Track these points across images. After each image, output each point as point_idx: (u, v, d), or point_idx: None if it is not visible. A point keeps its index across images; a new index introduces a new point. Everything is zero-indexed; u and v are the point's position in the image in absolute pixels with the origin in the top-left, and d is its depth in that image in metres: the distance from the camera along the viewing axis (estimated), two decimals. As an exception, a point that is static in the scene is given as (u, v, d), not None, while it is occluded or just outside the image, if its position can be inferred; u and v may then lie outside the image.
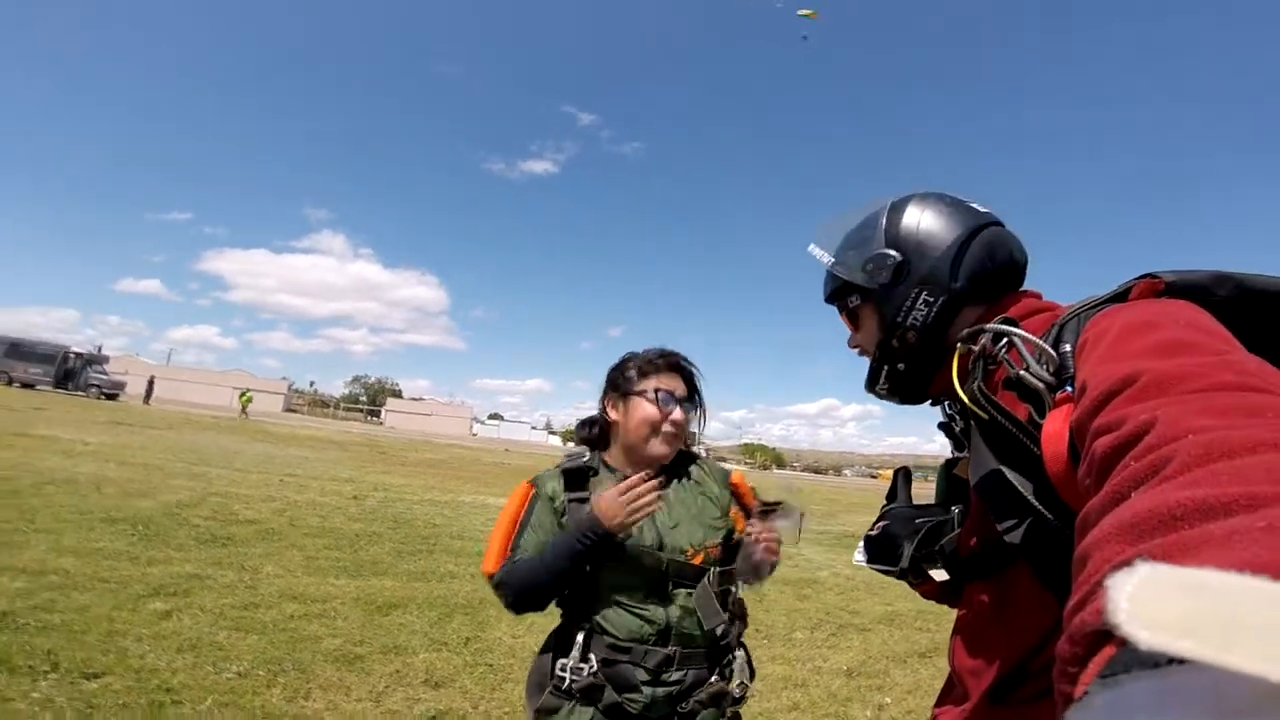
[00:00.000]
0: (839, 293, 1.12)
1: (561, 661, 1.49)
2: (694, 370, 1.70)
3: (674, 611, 1.50)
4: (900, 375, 1.05)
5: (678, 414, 1.60)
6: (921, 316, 1.00)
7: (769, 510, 1.58)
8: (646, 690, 1.45)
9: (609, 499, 1.44)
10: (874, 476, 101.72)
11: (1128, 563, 0.31)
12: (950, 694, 0.97)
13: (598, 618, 1.50)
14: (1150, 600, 0.25)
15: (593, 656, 1.47)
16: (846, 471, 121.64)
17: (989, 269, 1.00)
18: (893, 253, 1.02)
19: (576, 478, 1.60)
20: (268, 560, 5.44)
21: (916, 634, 5.74)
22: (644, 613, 1.49)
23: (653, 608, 1.50)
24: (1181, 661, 0.22)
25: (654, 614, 1.49)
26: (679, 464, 1.68)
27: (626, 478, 1.50)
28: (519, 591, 1.48)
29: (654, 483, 1.46)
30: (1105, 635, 0.29)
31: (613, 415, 1.65)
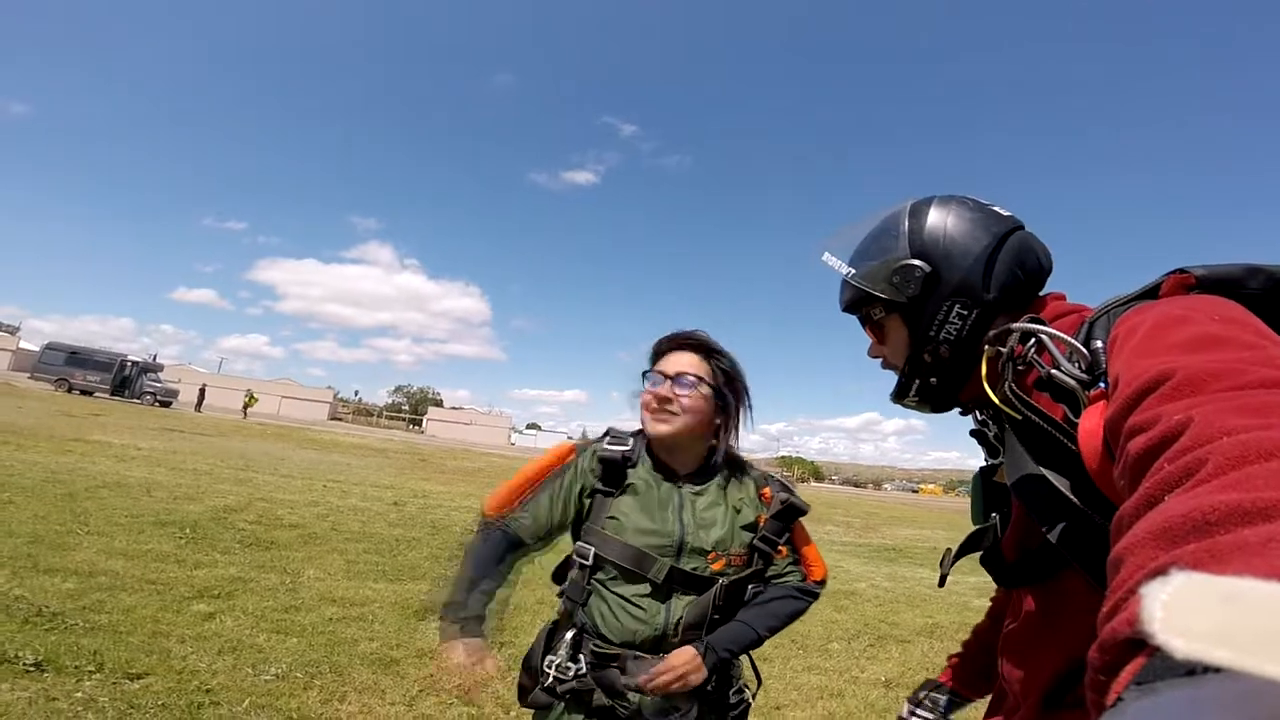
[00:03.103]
0: (859, 303, 1.08)
1: (550, 659, 1.47)
2: (705, 343, 1.58)
3: (674, 614, 1.44)
4: (931, 388, 1.02)
5: (661, 389, 1.51)
6: (955, 330, 0.96)
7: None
8: (634, 697, 1.41)
9: (457, 659, 1.40)
10: (915, 491, 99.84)
11: (1161, 569, 0.31)
12: (1001, 704, 0.95)
13: (593, 614, 1.46)
14: (1185, 609, 0.25)
15: (582, 657, 1.44)
16: (887, 486, 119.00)
17: (1020, 278, 0.96)
18: (920, 263, 0.97)
19: (612, 470, 1.53)
20: (309, 564, 5.54)
21: (959, 646, 5.55)
22: (641, 614, 1.43)
23: (653, 607, 1.44)
24: (1216, 670, 0.22)
25: (653, 616, 1.43)
26: (727, 464, 1.60)
27: (660, 465, 1.55)
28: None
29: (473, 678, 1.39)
30: (1137, 644, 0.28)
31: None
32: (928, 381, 1.01)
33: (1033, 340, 0.82)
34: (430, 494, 11.80)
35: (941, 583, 1.16)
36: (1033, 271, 0.98)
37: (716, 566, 1.48)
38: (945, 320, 0.96)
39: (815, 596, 1.59)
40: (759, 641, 1.49)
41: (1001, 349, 0.87)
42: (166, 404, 33.70)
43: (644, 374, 1.57)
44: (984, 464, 1.07)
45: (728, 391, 1.57)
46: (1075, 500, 0.71)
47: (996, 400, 0.84)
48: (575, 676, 1.43)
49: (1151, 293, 0.76)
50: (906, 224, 1.01)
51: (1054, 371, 0.76)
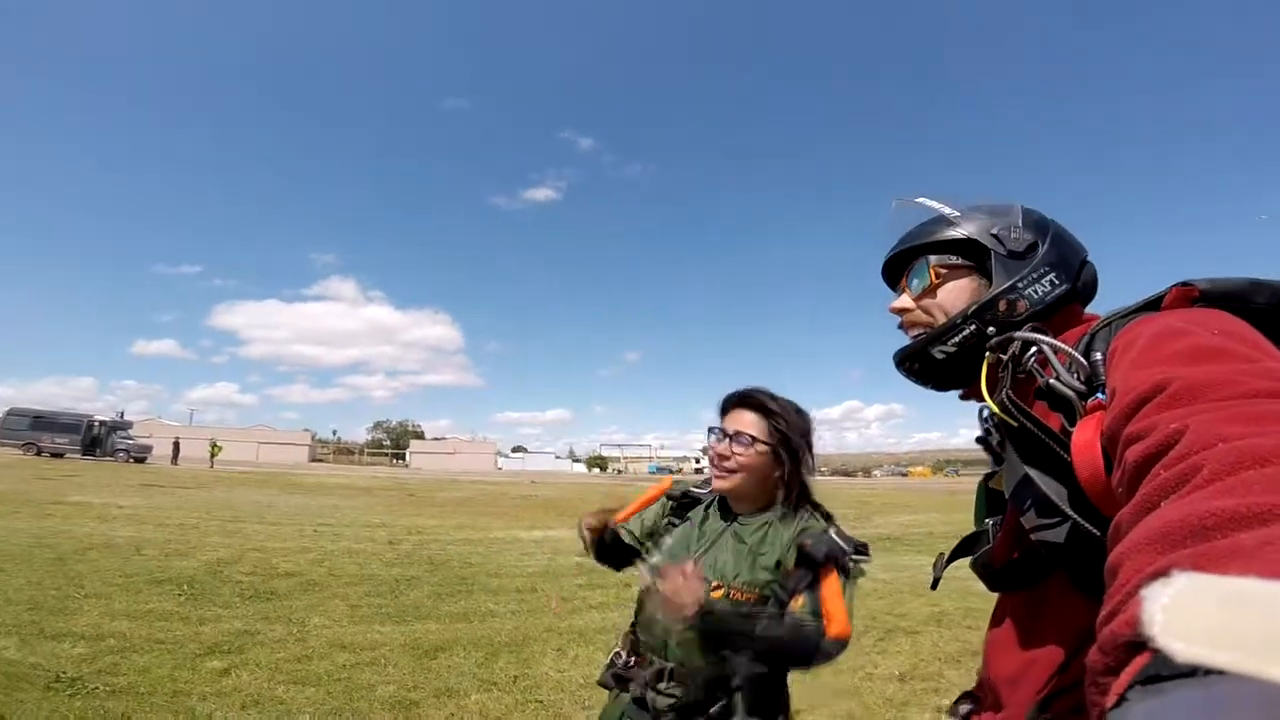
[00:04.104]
0: (935, 247, 1.04)
1: (616, 647, 1.69)
2: (763, 404, 1.65)
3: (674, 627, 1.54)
4: (970, 346, 0.96)
5: (720, 446, 1.64)
6: (1041, 292, 0.94)
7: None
8: (650, 694, 1.55)
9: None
10: (904, 474, 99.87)
11: (1160, 573, 0.32)
12: (983, 705, 0.95)
13: (643, 616, 1.64)
14: (1185, 612, 0.26)
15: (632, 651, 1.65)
16: (876, 472, 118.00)
17: (1090, 292, 1.00)
18: (1029, 232, 0.98)
19: (682, 505, 1.76)
20: (313, 611, 5.50)
21: (966, 633, 5.64)
22: (658, 621, 1.55)
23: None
24: (1219, 672, 0.23)
25: (664, 625, 1.54)
26: (788, 508, 1.63)
27: (722, 505, 1.68)
28: None
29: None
30: (1137, 646, 0.29)
31: None
32: (984, 332, 0.95)
33: (1033, 349, 0.83)
34: (424, 529, 11.71)
35: (934, 585, 1.15)
36: (1090, 293, 1.01)
37: (714, 595, 1.51)
38: (1037, 280, 0.95)
39: (821, 649, 1.43)
40: (748, 633, 1.43)
41: (1001, 356, 0.88)
42: (141, 459, 33.11)
43: (709, 429, 1.70)
44: (988, 471, 1.06)
45: (783, 450, 1.62)
46: (1066, 508, 0.70)
47: (994, 406, 0.84)
48: (621, 666, 1.64)
49: (1154, 305, 0.76)
50: (1019, 208, 1.03)
51: (1053, 381, 0.76)
